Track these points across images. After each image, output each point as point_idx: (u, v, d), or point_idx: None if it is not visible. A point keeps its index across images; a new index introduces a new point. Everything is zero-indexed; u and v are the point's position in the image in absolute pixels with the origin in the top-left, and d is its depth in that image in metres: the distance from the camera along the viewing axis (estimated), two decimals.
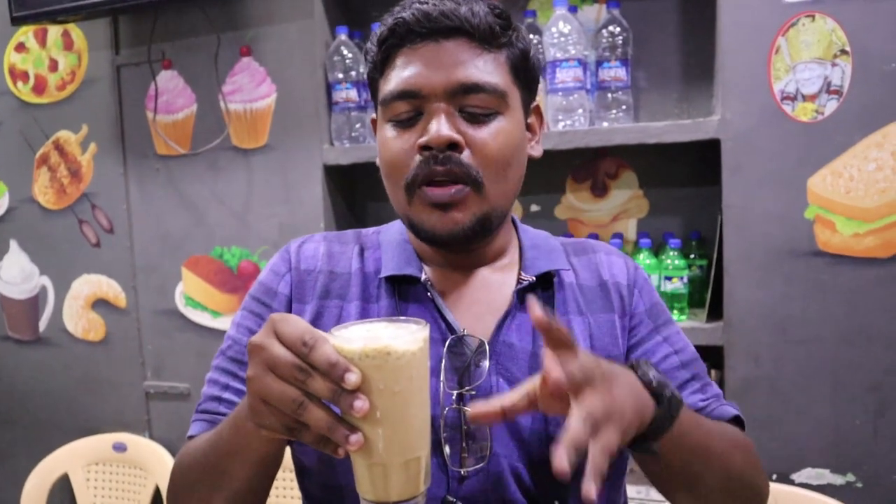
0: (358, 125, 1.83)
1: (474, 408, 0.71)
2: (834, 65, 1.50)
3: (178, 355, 2.04)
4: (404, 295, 0.89)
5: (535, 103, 0.92)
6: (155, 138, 2.00)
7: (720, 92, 1.58)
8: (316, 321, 0.90)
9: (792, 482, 1.58)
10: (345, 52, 1.82)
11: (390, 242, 0.94)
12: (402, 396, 0.62)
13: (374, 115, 0.97)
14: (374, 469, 0.63)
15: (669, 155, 1.77)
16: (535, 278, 0.89)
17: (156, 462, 2.00)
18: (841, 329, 1.53)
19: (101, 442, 2.07)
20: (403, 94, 0.84)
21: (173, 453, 2.02)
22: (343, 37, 1.82)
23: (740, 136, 1.55)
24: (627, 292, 0.93)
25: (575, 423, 0.63)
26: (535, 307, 0.66)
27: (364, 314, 0.89)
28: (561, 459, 0.60)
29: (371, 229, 1.00)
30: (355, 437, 0.61)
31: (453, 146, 0.82)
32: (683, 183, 1.81)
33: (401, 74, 0.84)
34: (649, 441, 0.73)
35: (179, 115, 1.94)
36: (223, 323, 1.95)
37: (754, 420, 1.57)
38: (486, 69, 0.83)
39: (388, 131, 0.87)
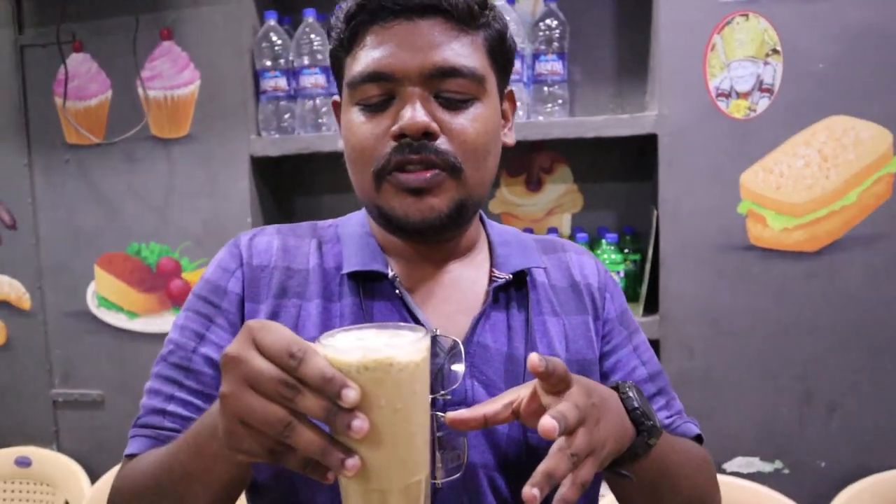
0: (287, 115, 1.75)
1: (455, 414, 0.67)
2: (766, 63, 1.53)
3: (89, 360, 1.90)
4: (369, 292, 0.83)
5: (508, 88, 0.88)
6: (65, 126, 1.85)
7: (657, 88, 1.59)
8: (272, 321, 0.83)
9: (724, 471, 1.61)
10: (274, 38, 1.74)
11: (351, 236, 0.88)
12: (403, 413, 0.55)
13: (336, 98, 0.90)
14: (370, 496, 0.56)
15: (604, 150, 1.77)
16: (511, 276, 0.85)
17: (65, 477, 1.86)
18: (770, 321, 1.57)
19: (1, 457, 1.91)
20: (374, 77, 0.78)
21: (85, 466, 1.88)
22: (272, 22, 1.74)
23: (677, 131, 1.57)
24: (599, 295, 0.91)
25: (556, 453, 0.60)
26: (533, 357, 0.62)
27: (326, 314, 0.83)
28: (532, 492, 0.58)
29: (326, 222, 0.93)
30: (352, 462, 0.54)
31: (428, 134, 0.77)
32: (617, 178, 1.82)
33: (371, 55, 0.79)
34: (624, 464, 0.72)
35: (92, 101, 1.80)
36: (141, 324, 1.83)
37: (690, 412, 1.59)
38: (463, 52, 0.78)
39: (356, 115, 0.80)
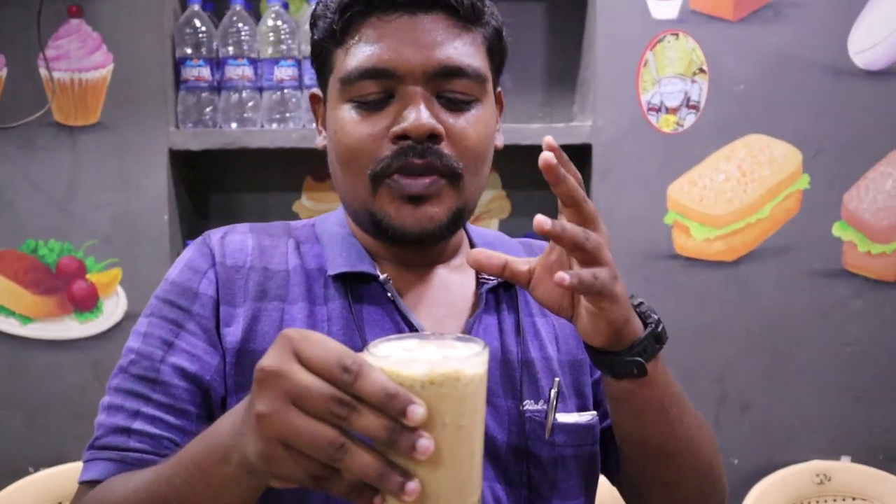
0: (209, 108, 1.65)
1: (477, 252, 0.69)
2: (693, 81, 1.61)
3: None
4: (357, 296, 0.79)
5: (498, 89, 0.86)
6: None
7: (591, 99, 1.63)
8: (252, 327, 0.76)
9: None
10: (197, 24, 1.63)
11: (331, 236, 0.83)
12: (467, 431, 0.52)
13: (315, 91, 0.85)
14: None
15: (533, 158, 1.80)
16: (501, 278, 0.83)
17: None
18: (692, 327, 1.65)
19: None
20: (374, 73, 0.74)
21: None
22: (196, 7, 1.63)
23: (610, 142, 1.62)
24: None
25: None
26: (538, 218, 0.62)
27: (312, 318, 0.78)
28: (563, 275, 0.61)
29: (300, 222, 0.88)
30: (413, 486, 0.49)
31: (433, 136, 0.74)
32: (545, 186, 1.84)
33: (370, 49, 0.74)
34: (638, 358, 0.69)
35: None
36: (35, 330, 1.65)
37: None
38: (466, 51, 0.76)
39: (349, 113, 0.76)
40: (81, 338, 1.65)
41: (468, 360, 0.51)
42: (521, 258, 0.71)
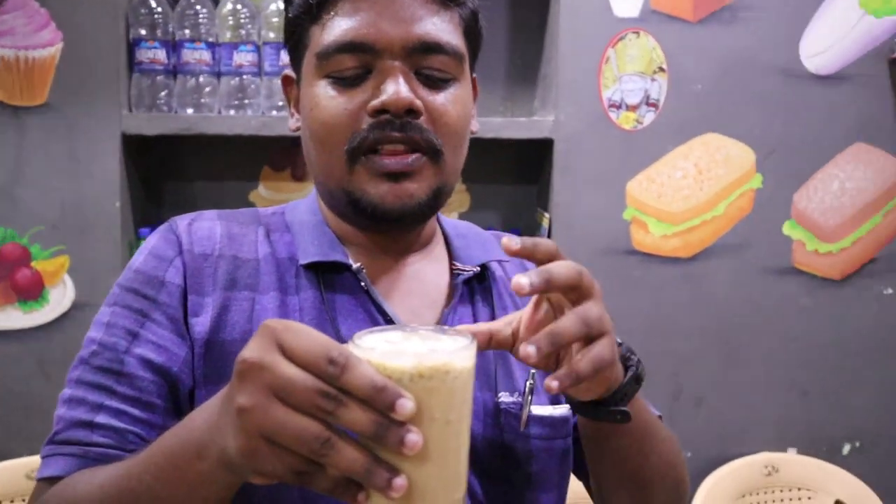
0: (164, 92, 1.60)
1: (465, 327, 0.64)
2: (653, 80, 1.64)
3: None
4: (330, 285, 0.77)
5: (473, 74, 0.85)
6: None
7: (553, 94, 1.64)
8: (221, 317, 0.74)
9: None
10: (153, 4, 1.58)
11: (302, 224, 0.81)
12: (455, 426, 0.51)
13: (287, 72, 0.84)
14: None
15: (493, 152, 1.80)
16: (478, 268, 0.82)
17: None
18: (649, 321, 1.68)
19: None
20: (351, 47, 0.72)
21: None
22: None
23: (571, 137, 1.63)
24: None
25: (569, 314, 0.58)
26: (504, 240, 0.60)
27: (283, 308, 0.75)
28: (528, 349, 0.55)
29: (269, 209, 0.86)
30: (400, 482, 0.48)
31: (411, 112, 0.72)
32: (504, 180, 1.85)
33: (347, 23, 0.73)
34: (620, 403, 0.67)
35: None
36: None
37: None
38: (445, 28, 0.75)
39: (325, 88, 0.74)
40: (25, 328, 1.59)
41: (457, 352, 0.50)
42: (500, 320, 0.68)
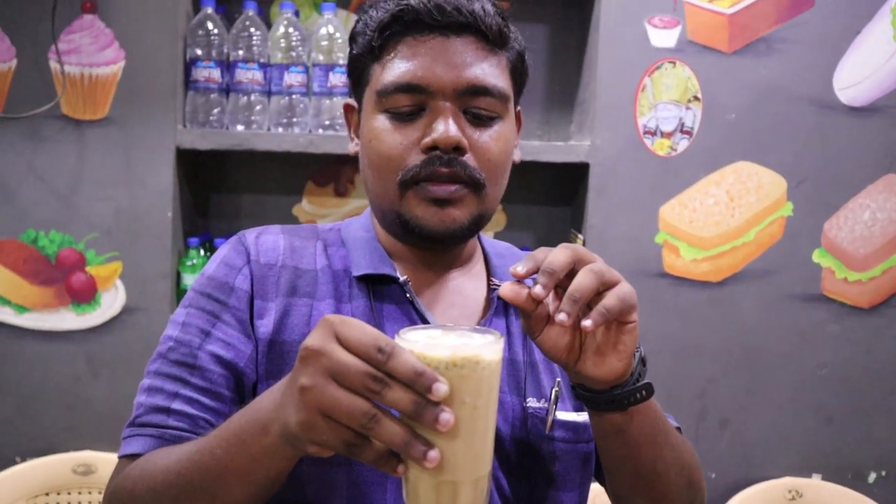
0: (217, 109, 1.68)
1: (509, 287, 0.69)
2: (688, 108, 1.68)
3: None
4: (379, 295, 0.85)
5: (518, 108, 0.92)
6: None
7: (590, 119, 1.69)
8: (283, 320, 0.82)
9: None
10: (210, 26, 1.66)
11: (356, 240, 0.90)
12: (482, 410, 0.59)
13: (349, 101, 0.93)
14: (442, 487, 0.59)
15: (530, 174, 1.85)
16: None
17: None
18: (677, 343, 1.71)
19: None
20: (408, 88, 0.81)
21: None
22: (209, 10, 1.66)
23: (606, 162, 1.68)
24: None
25: (585, 271, 0.67)
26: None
27: (337, 313, 0.82)
28: (558, 315, 0.64)
29: (327, 226, 0.95)
30: (434, 454, 0.56)
31: (458, 149, 0.80)
32: (539, 202, 1.91)
33: (405, 66, 0.81)
34: (640, 387, 0.73)
35: None
36: (30, 320, 1.66)
37: None
38: (492, 72, 0.83)
39: (383, 122, 0.83)
40: (77, 329, 1.66)
41: (486, 346, 0.59)
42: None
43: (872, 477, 1.77)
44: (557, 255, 0.68)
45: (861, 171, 1.73)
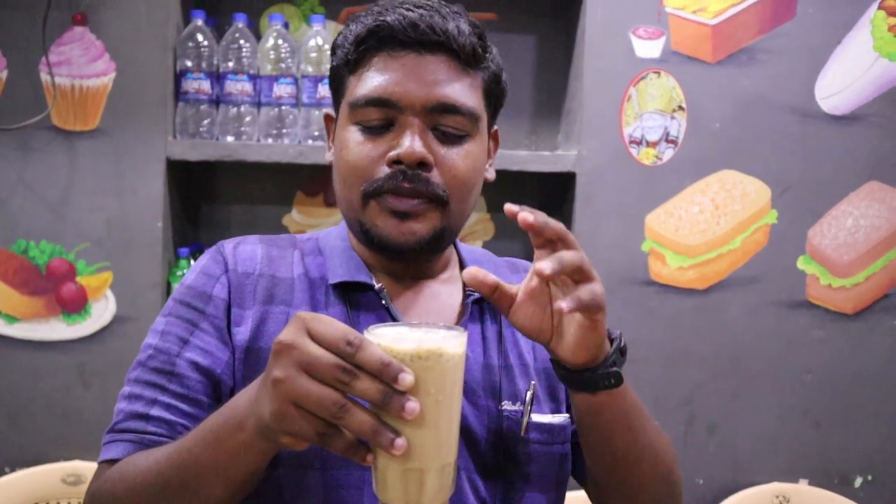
0: (207, 120, 1.69)
1: (475, 270, 0.71)
2: (672, 118, 1.71)
3: None
4: (355, 303, 0.87)
5: (495, 127, 0.94)
6: None
7: (576, 129, 1.71)
8: (259, 327, 0.84)
9: None
10: (200, 38, 1.68)
11: (333, 248, 0.91)
12: (446, 400, 0.62)
13: (328, 111, 0.95)
14: (409, 474, 0.62)
15: (518, 183, 1.87)
16: None
17: None
18: (664, 350, 1.73)
19: None
20: (378, 102, 0.83)
21: None
22: (199, 22, 1.68)
23: (593, 171, 1.70)
24: None
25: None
26: (524, 213, 0.67)
27: None
28: (539, 263, 0.65)
29: (304, 235, 0.96)
30: (401, 441, 0.59)
31: (423, 164, 0.82)
32: None
33: (377, 80, 0.83)
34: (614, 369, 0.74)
35: None
36: (20, 330, 1.66)
37: None
38: (464, 91, 0.84)
39: (354, 134, 0.85)
40: (68, 339, 1.67)
41: (449, 339, 0.62)
42: (511, 283, 0.76)
43: (859, 481, 1.78)
44: (553, 221, 0.69)
45: (844, 179, 1.76)
